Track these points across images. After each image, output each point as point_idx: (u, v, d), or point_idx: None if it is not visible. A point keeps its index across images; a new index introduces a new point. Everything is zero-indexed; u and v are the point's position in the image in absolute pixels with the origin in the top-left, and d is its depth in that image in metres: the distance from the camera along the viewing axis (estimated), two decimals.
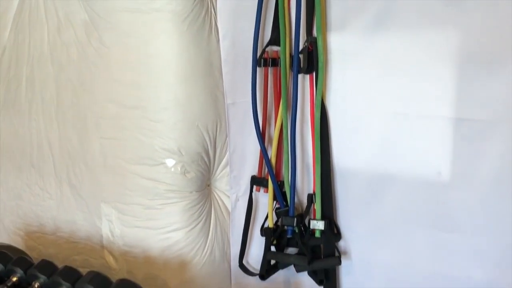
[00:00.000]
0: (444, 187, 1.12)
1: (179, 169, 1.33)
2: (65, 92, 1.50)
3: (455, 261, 1.15)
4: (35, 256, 1.33)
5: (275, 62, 1.26)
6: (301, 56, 1.19)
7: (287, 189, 1.27)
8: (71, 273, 1.17)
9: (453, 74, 1.07)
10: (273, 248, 1.32)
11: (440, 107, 1.10)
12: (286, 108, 1.24)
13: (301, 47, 1.18)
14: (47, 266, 1.21)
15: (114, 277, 1.15)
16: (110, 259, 1.50)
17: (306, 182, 1.30)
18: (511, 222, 1.06)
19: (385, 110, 1.16)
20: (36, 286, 1.17)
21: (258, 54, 1.25)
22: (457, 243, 1.14)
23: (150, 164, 1.35)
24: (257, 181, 1.37)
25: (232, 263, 1.48)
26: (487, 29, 1.02)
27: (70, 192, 1.55)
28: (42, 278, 1.18)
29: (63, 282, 1.14)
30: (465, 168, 1.10)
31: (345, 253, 1.29)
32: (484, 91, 1.04)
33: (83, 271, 1.19)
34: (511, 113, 1.03)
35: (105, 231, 1.49)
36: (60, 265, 1.22)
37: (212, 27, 1.32)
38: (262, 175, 1.36)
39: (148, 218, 1.39)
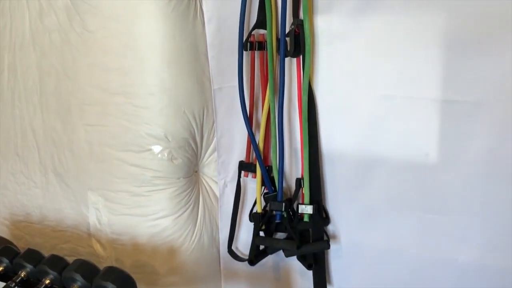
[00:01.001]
0: (432, 168, 1.12)
1: (166, 156, 1.32)
2: (48, 78, 1.47)
3: (443, 243, 1.15)
4: (21, 246, 1.31)
5: (261, 45, 1.24)
6: (287, 39, 1.17)
7: (275, 174, 1.27)
8: (57, 262, 1.16)
9: (440, 56, 1.06)
10: (261, 233, 1.31)
11: (428, 89, 1.09)
12: (273, 92, 1.22)
13: (287, 30, 1.17)
14: (33, 255, 1.19)
15: (102, 265, 1.14)
16: (98, 247, 1.49)
17: (294, 167, 1.30)
18: (498, 203, 1.06)
19: (372, 92, 1.15)
20: (22, 275, 1.16)
21: (244, 38, 1.23)
22: (444, 225, 1.14)
23: (136, 150, 1.33)
24: (245, 166, 1.36)
25: (221, 249, 1.48)
26: (474, 10, 1.01)
27: (56, 180, 1.53)
28: (29, 267, 1.17)
29: (50, 271, 1.13)
30: (452, 150, 1.10)
31: (334, 237, 1.29)
32: (471, 72, 1.04)
33: (71, 259, 1.17)
34: (497, 94, 1.02)
35: (92, 219, 1.47)
36: (47, 254, 1.20)
37: (197, 10, 1.29)
38: (250, 160, 1.36)
39: (135, 205, 1.38)
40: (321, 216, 1.26)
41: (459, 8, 1.02)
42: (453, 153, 1.10)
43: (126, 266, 1.41)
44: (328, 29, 1.16)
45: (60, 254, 1.21)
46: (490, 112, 1.04)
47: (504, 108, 1.02)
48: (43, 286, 1.12)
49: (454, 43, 1.04)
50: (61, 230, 1.56)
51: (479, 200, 1.09)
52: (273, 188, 1.28)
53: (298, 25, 1.14)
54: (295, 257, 1.28)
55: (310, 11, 1.15)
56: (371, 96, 1.16)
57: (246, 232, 1.41)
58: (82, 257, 1.18)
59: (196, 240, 1.40)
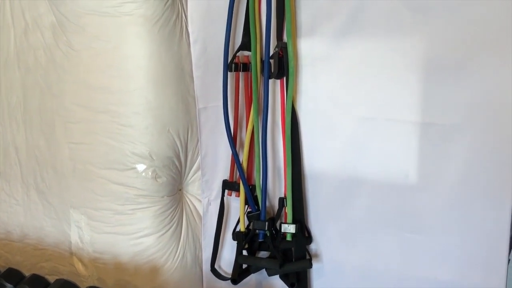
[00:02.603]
0: (412, 189, 1.15)
1: (150, 174, 1.32)
2: (32, 96, 1.47)
3: (423, 262, 1.17)
4: (1, 264, 1.30)
5: (246, 67, 1.27)
6: (271, 61, 1.20)
7: (258, 193, 1.28)
8: (38, 281, 1.15)
9: (420, 80, 1.09)
10: (244, 252, 1.32)
11: (407, 112, 1.12)
12: (257, 112, 1.24)
13: (271, 52, 1.19)
14: (13, 274, 1.19)
15: (84, 284, 1.14)
16: (79, 266, 1.48)
17: (277, 186, 1.31)
18: (476, 223, 1.09)
19: (354, 114, 1.18)
20: None
21: (229, 59, 1.25)
22: (424, 244, 1.16)
23: (120, 169, 1.34)
24: (228, 185, 1.37)
25: (204, 267, 1.48)
26: (452, 36, 1.04)
27: (38, 198, 1.52)
28: (9, 286, 1.15)
29: None
30: (431, 171, 1.12)
31: (316, 256, 1.30)
32: (449, 95, 1.07)
33: (51, 278, 1.17)
34: (475, 116, 1.06)
35: (74, 238, 1.46)
36: (27, 272, 1.20)
37: (183, 31, 1.31)
38: (234, 179, 1.37)
39: (118, 223, 1.37)
40: (304, 235, 1.27)
41: (437, 35, 1.06)
42: (432, 174, 1.12)
43: (108, 285, 1.40)
44: (311, 52, 1.19)
45: (41, 273, 1.21)
46: (467, 134, 1.07)
47: (481, 131, 1.05)
48: None
49: (433, 67, 1.08)
50: (42, 249, 1.54)
51: (458, 220, 1.11)
52: (256, 207, 1.30)
53: (282, 47, 1.16)
54: (277, 276, 1.29)
55: (294, 34, 1.18)
56: (352, 118, 1.18)
57: (229, 250, 1.41)
58: (63, 276, 1.18)
59: (179, 258, 1.40)
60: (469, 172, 1.09)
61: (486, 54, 1.02)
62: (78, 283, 1.14)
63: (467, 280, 1.13)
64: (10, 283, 1.16)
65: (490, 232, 1.08)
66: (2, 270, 1.21)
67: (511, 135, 1.03)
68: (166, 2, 1.26)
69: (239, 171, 1.30)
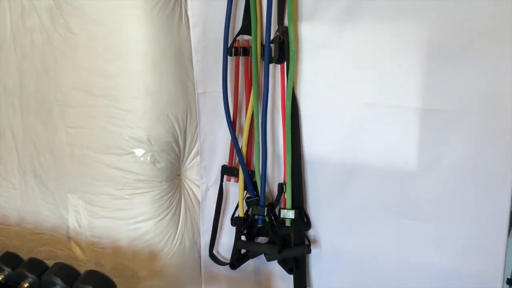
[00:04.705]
0: (411, 176, 1.15)
1: (148, 159, 1.32)
2: (29, 79, 1.45)
3: (421, 249, 1.17)
4: None
5: (246, 51, 1.26)
6: (272, 45, 1.19)
7: (257, 178, 1.28)
8: (37, 265, 1.15)
9: (421, 66, 1.09)
10: (243, 238, 1.32)
11: (408, 98, 1.11)
12: (257, 97, 1.24)
13: (272, 36, 1.18)
14: (11, 258, 1.18)
15: (82, 269, 1.13)
16: (77, 250, 1.48)
17: (277, 172, 1.31)
18: (474, 210, 1.09)
19: (354, 100, 1.18)
20: (0, 278, 1.14)
21: (229, 43, 1.24)
22: (422, 231, 1.16)
23: (118, 153, 1.33)
24: (227, 171, 1.37)
25: (202, 253, 1.48)
26: (455, 21, 1.04)
27: (35, 182, 1.51)
28: (7, 270, 1.15)
29: (29, 274, 1.12)
30: (431, 158, 1.12)
31: (315, 241, 1.30)
32: (450, 82, 1.07)
33: (49, 262, 1.16)
34: (474, 104, 1.06)
35: (72, 222, 1.46)
36: (24, 257, 1.19)
37: (182, 15, 1.30)
38: (233, 165, 1.36)
39: (116, 208, 1.37)
40: (303, 221, 1.27)
41: (440, 20, 1.05)
42: (431, 160, 1.12)
43: (106, 269, 1.39)
44: (312, 37, 1.18)
45: (38, 257, 1.20)
46: (467, 121, 1.07)
47: (481, 118, 1.05)
48: None
49: (434, 53, 1.07)
50: (39, 233, 1.54)
51: (457, 206, 1.12)
52: (255, 192, 1.29)
53: (283, 32, 1.15)
54: (276, 261, 1.29)
55: (295, 19, 1.17)
56: (352, 103, 1.18)
57: (227, 236, 1.41)
58: (61, 260, 1.17)
59: (177, 243, 1.40)
60: (468, 159, 1.09)
61: (487, 42, 1.02)
62: (76, 267, 1.13)
63: (465, 266, 1.13)
64: (8, 267, 1.15)
65: (488, 219, 1.08)
66: (0, 254, 1.20)
67: (510, 122, 1.03)
68: None
69: (238, 157, 1.29)
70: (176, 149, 1.36)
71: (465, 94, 1.06)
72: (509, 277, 1.96)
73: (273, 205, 1.29)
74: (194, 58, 1.33)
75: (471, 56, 1.03)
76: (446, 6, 1.03)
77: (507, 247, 1.09)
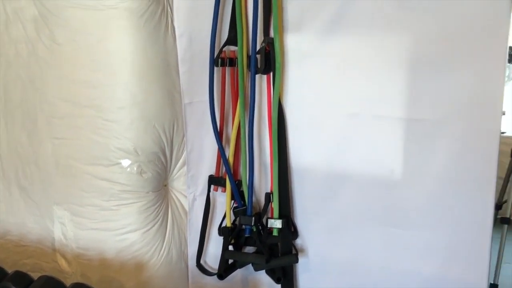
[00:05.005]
0: (397, 184, 1.16)
1: (135, 169, 1.31)
2: (13, 90, 1.44)
3: (407, 257, 1.18)
4: None
5: (232, 62, 1.26)
6: (258, 56, 1.19)
7: (244, 188, 1.28)
8: (22, 278, 1.13)
9: (404, 76, 1.11)
10: (230, 247, 1.32)
11: (392, 108, 1.13)
12: (244, 107, 1.24)
13: (258, 47, 1.19)
14: None
15: (68, 281, 1.13)
16: (63, 263, 1.46)
17: (264, 181, 1.31)
18: (459, 217, 1.11)
19: (339, 110, 1.19)
20: None
21: (216, 54, 1.25)
22: (408, 239, 1.18)
23: (105, 164, 1.32)
24: (214, 181, 1.37)
25: (189, 263, 1.48)
26: (437, 34, 1.06)
27: (20, 194, 1.49)
28: None
29: None
30: (416, 166, 1.14)
31: (302, 250, 1.31)
32: (433, 92, 1.09)
33: (34, 275, 1.15)
34: (457, 113, 1.08)
35: (58, 234, 1.44)
36: (9, 270, 1.17)
37: (168, 25, 1.30)
38: (220, 175, 1.36)
39: (103, 219, 1.36)
40: (290, 230, 1.28)
41: (422, 31, 1.07)
42: (416, 169, 1.14)
43: (92, 281, 1.38)
44: (297, 48, 1.20)
45: (23, 270, 1.18)
46: (450, 130, 1.09)
47: (464, 127, 1.07)
48: None
49: (418, 64, 1.09)
50: (24, 245, 1.52)
51: (441, 214, 1.13)
52: (242, 202, 1.30)
53: (269, 43, 1.16)
54: (264, 270, 1.29)
55: (281, 30, 1.18)
56: (338, 113, 1.19)
57: (215, 246, 1.41)
58: (46, 273, 1.16)
59: (164, 254, 1.40)
60: (452, 167, 1.10)
61: (470, 52, 1.04)
62: (61, 280, 1.12)
63: (450, 273, 1.15)
64: None
65: (472, 226, 1.10)
66: None
67: (493, 130, 1.05)
68: None
69: (225, 166, 1.29)
70: (163, 159, 1.36)
71: (448, 104, 1.08)
72: (492, 282, 1.99)
73: (261, 214, 1.29)
74: (181, 69, 1.33)
75: (454, 65, 1.05)
76: (429, 17, 1.06)
77: (491, 253, 1.11)
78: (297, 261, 1.27)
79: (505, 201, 2.10)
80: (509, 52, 1.09)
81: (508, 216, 2.05)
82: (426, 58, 1.08)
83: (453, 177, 1.10)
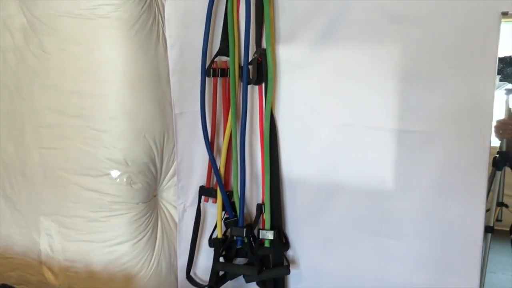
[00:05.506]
0: (388, 195, 1.16)
1: (124, 180, 1.30)
2: (1, 99, 1.41)
3: (399, 267, 1.18)
4: None
5: (224, 72, 1.26)
6: (250, 67, 1.19)
7: (236, 199, 1.27)
8: None
9: (396, 88, 1.11)
10: (221, 259, 1.30)
11: (383, 119, 1.14)
12: (235, 118, 1.24)
13: (250, 58, 1.19)
14: None
15: None
16: (49, 275, 1.43)
17: (255, 192, 1.31)
18: (451, 228, 1.11)
19: (331, 121, 1.19)
20: None
21: (207, 64, 1.24)
22: (400, 250, 1.18)
23: (93, 175, 1.30)
24: (205, 191, 1.35)
25: (179, 275, 1.46)
26: (428, 46, 1.07)
27: (5, 205, 1.46)
28: None
29: None
30: (407, 177, 1.14)
31: (294, 262, 1.30)
32: (424, 104, 1.10)
33: None
34: (448, 124, 1.08)
35: (44, 246, 1.42)
36: None
37: (159, 36, 1.30)
38: (211, 185, 1.35)
39: (91, 231, 1.34)
40: (281, 241, 1.27)
41: (413, 44, 1.08)
42: (407, 180, 1.14)
43: None
44: (290, 59, 1.20)
45: (8, 282, 1.16)
46: (441, 141, 1.10)
47: (454, 138, 1.08)
48: None
49: (409, 76, 1.10)
50: (10, 257, 1.48)
51: (433, 225, 1.14)
52: (234, 213, 1.29)
53: (261, 54, 1.16)
54: (255, 282, 1.28)
55: (273, 41, 1.18)
56: (330, 125, 1.19)
57: (205, 258, 1.39)
58: (32, 286, 1.13)
59: (154, 266, 1.38)
60: (443, 178, 1.11)
61: (460, 64, 1.05)
62: None
63: (441, 284, 1.15)
64: None
65: (464, 236, 1.11)
66: None
67: (483, 141, 1.06)
68: (143, 6, 1.24)
69: (216, 177, 1.28)
70: (153, 169, 1.35)
71: (438, 115, 1.09)
72: None
73: (252, 225, 1.28)
74: (172, 79, 1.32)
75: (445, 77, 1.07)
76: (420, 30, 1.07)
77: (482, 262, 1.11)
78: (288, 272, 1.26)
79: (488, 210, 2.12)
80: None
81: (491, 224, 2.07)
82: (417, 70, 1.09)
83: (444, 188, 1.11)
